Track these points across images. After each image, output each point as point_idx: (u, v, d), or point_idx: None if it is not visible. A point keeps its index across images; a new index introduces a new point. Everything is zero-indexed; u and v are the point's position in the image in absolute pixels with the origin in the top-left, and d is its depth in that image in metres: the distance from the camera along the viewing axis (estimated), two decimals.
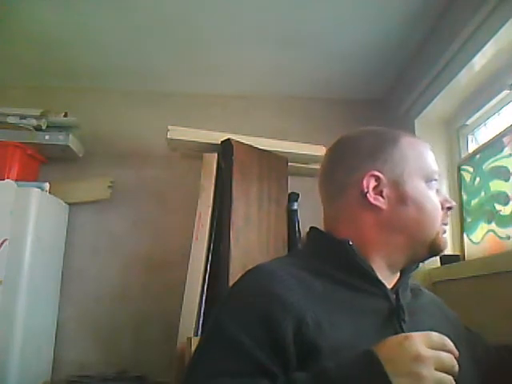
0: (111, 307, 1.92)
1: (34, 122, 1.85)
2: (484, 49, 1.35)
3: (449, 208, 0.75)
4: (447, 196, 0.77)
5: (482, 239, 1.55)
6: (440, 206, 0.73)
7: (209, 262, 1.59)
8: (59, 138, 1.87)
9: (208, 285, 1.57)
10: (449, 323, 0.76)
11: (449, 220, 0.78)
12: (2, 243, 1.59)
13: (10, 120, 1.84)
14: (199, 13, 1.60)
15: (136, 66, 1.97)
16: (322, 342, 0.59)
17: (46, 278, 1.80)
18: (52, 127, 1.89)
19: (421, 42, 1.72)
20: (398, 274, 0.74)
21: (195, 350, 0.64)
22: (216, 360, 0.60)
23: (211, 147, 1.73)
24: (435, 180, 0.74)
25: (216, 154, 1.72)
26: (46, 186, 1.78)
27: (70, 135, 1.89)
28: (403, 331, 0.63)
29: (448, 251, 1.69)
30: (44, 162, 2.00)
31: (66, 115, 1.93)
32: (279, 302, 0.61)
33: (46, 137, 1.85)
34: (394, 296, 0.68)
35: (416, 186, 0.72)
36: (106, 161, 2.06)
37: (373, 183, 0.72)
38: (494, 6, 1.25)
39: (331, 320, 0.61)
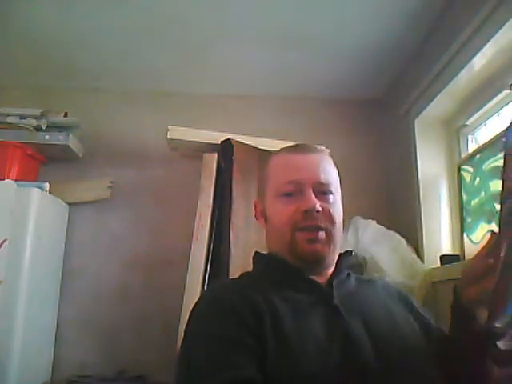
0: (111, 307, 1.91)
1: (34, 122, 1.85)
2: (484, 49, 1.35)
3: (305, 211, 0.77)
4: (308, 199, 0.78)
5: (481, 239, 1.55)
6: (288, 215, 0.78)
7: (209, 262, 1.59)
8: (59, 138, 1.87)
9: (208, 285, 1.57)
10: (398, 302, 0.81)
11: (321, 223, 0.77)
12: (2, 243, 1.59)
13: (10, 120, 1.84)
14: (199, 13, 1.60)
15: (136, 66, 1.97)
16: (282, 329, 0.67)
17: (46, 278, 1.80)
18: (52, 127, 1.89)
19: (421, 41, 1.72)
20: (333, 267, 0.81)
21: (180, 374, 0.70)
22: (211, 362, 0.65)
23: (211, 147, 1.73)
24: (288, 192, 0.79)
25: (216, 154, 1.72)
26: (46, 185, 1.78)
27: (70, 135, 1.89)
28: (336, 305, 0.72)
29: (448, 251, 1.69)
30: (44, 162, 2.00)
31: (66, 115, 1.93)
32: (239, 301, 0.70)
33: (46, 137, 1.86)
34: (328, 284, 0.77)
35: (270, 205, 0.83)
36: (106, 161, 2.06)
37: (256, 209, 0.89)
38: (493, 7, 1.25)
39: (280, 314, 0.69)
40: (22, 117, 1.85)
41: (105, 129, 2.10)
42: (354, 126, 2.15)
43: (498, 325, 0.51)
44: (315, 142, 1.83)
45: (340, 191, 0.85)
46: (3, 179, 1.70)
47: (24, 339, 1.59)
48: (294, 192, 0.79)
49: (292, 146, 0.88)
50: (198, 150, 1.76)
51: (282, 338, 0.66)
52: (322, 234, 0.77)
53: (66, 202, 1.96)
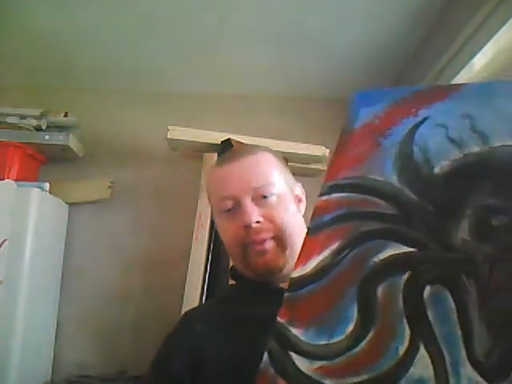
0: (111, 307, 1.92)
1: (34, 122, 1.85)
2: (484, 49, 1.35)
3: (245, 227, 0.73)
4: (244, 213, 0.74)
5: None
6: (233, 233, 0.76)
7: (209, 262, 1.59)
8: (59, 138, 1.87)
9: (208, 285, 1.57)
10: None
11: (264, 233, 0.74)
12: (2, 243, 1.59)
13: (10, 120, 1.84)
14: (199, 13, 1.60)
15: (136, 66, 1.97)
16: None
17: (46, 278, 1.80)
18: (52, 127, 1.89)
19: (421, 42, 1.72)
20: None
21: None
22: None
23: (211, 147, 1.73)
24: (227, 209, 0.76)
25: (216, 154, 1.72)
26: (46, 185, 1.78)
27: (70, 135, 1.89)
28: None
29: None
30: (44, 162, 2.00)
31: (66, 115, 1.93)
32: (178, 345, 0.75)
33: (46, 137, 1.86)
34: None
35: (217, 222, 0.81)
36: (106, 161, 2.06)
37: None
38: (493, 7, 1.25)
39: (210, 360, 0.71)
40: (22, 117, 1.85)
41: (105, 129, 2.10)
42: None
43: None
44: (315, 141, 1.85)
45: (290, 185, 0.81)
46: (3, 179, 1.70)
47: (24, 339, 1.59)
48: (232, 207, 0.75)
49: (220, 158, 0.83)
50: (198, 150, 1.76)
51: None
52: (269, 244, 0.73)
53: (66, 202, 1.96)
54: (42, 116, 1.86)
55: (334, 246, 0.49)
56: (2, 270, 1.57)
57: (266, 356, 0.47)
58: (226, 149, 1.68)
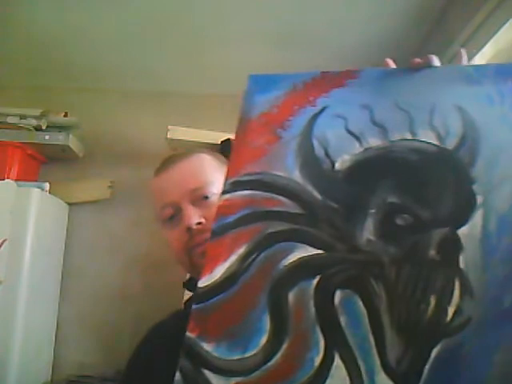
0: (111, 307, 1.92)
1: (34, 122, 1.85)
2: (484, 49, 1.35)
3: (187, 229, 0.72)
4: (184, 216, 0.72)
5: None
6: (177, 240, 0.74)
7: None
8: (59, 138, 1.87)
9: None
10: None
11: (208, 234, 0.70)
12: (2, 243, 1.59)
13: (10, 120, 1.84)
14: (199, 13, 1.60)
15: (136, 65, 1.97)
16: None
17: (46, 278, 1.80)
18: (52, 127, 1.89)
19: (421, 41, 1.72)
20: None
21: None
22: None
23: (211, 147, 1.73)
24: (168, 217, 0.74)
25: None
26: (46, 185, 1.78)
27: (70, 135, 1.89)
28: None
29: None
30: (44, 162, 2.00)
31: (66, 115, 1.93)
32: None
33: (46, 137, 1.86)
34: None
35: (163, 235, 0.78)
36: (106, 161, 2.06)
37: None
38: (493, 7, 1.25)
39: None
40: (22, 117, 1.85)
41: (105, 129, 2.10)
42: None
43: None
44: None
45: None
46: (3, 179, 1.70)
47: (24, 339, 1.59)
48: (173, 214, 0.74)
49: (157, 168, 0.81)
50: None
51: None
52: None
53: (66, 202, 1.96)
54: (42, 116, 1.86)
55: (241, 251, 0.46)
56: (2, 269, 1.57)
57: (177, 376, 0.43)
58: (226, 149, 1.68)
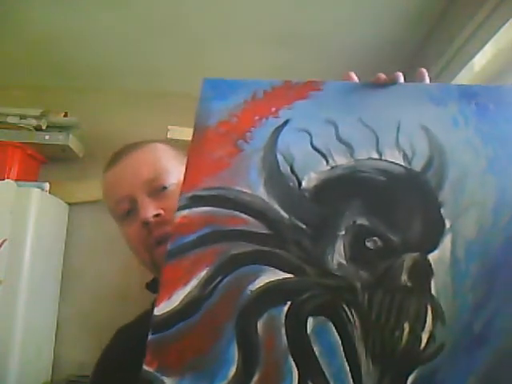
0: (111, 307, 1.91)
1: (34, 122, 1.85)
2: (484, 49, 1.35)
3: (144, 224, 0.66)
4: (139, 209, 0.68)
5: None
6: (135, 236, 0.69)
7: None
8: (59, 138, 1.87)
9: None
10: None
11: (167, 227, 0.63)
12: (1, 243, 1.59)
13: (10, 120, 1.84)
14: (199, 13, 1.60)
15: (136, 65, 1.97)
16: None
17: (46, 278, 1.80)
18: (52, 127, 1.89)
19: (421, 41, 1.72)
20: None
21: None
22: None
23: None
24: (124, 212, 0.69)
25: None
26: (46, 185, 1.78)
27: (70, 135, 1.88)
28: None
29: None
30: (44, 162, 2.00)
31: (66, 115, 1.93)
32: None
33: (46, 137, 1.85)
34: None
35: (121, 233, 0.73)
36: (106, 161, 2.06)
37: None
38: (493, 6, 1.25)
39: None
40: (22, 117, 1.85)
41: (105, 129, 2.09)
42: None
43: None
44: None
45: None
46: (3, 179, 1.70)
47: (24, 339, 1.59)
48: (130, 209, 0.69)
49: (108, 161, 0.74)
50: None
51: None
52: None
53: (66, 202, 1.96)
54: (42, 116, 1.86)
55: (202, 274, 0.42)
56: (2, 270, 1.57)
57: None
58: None
